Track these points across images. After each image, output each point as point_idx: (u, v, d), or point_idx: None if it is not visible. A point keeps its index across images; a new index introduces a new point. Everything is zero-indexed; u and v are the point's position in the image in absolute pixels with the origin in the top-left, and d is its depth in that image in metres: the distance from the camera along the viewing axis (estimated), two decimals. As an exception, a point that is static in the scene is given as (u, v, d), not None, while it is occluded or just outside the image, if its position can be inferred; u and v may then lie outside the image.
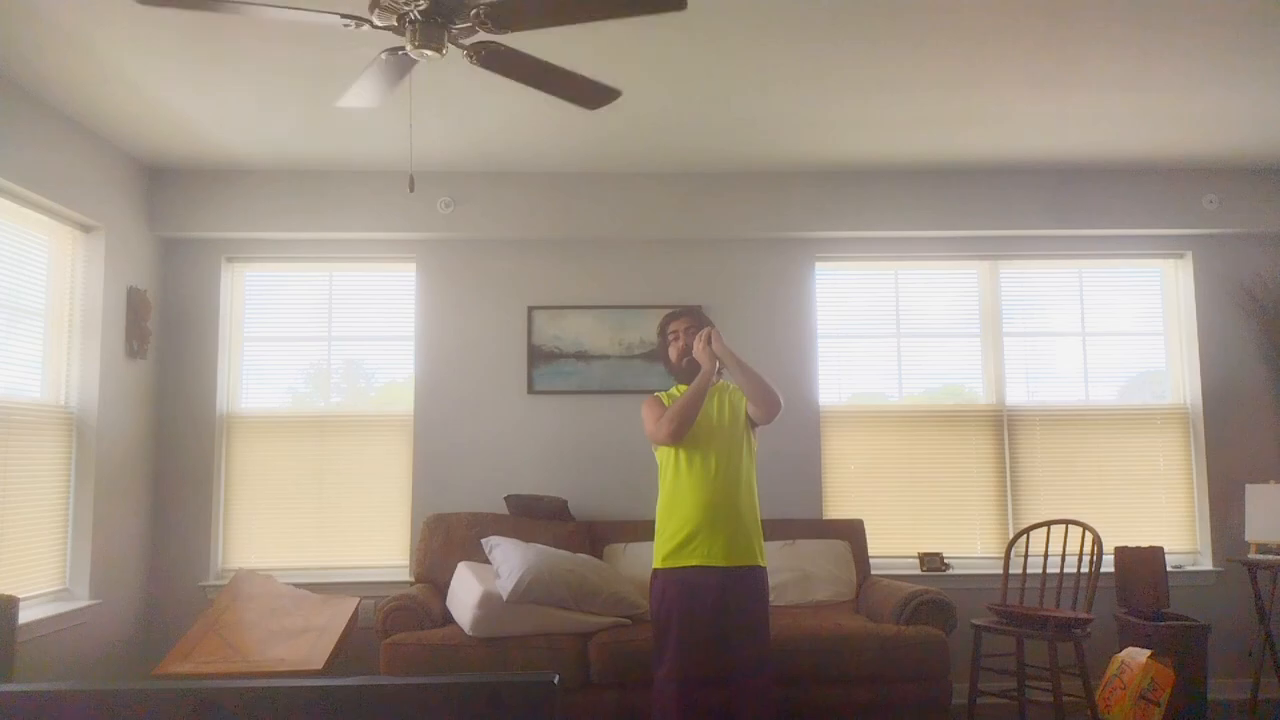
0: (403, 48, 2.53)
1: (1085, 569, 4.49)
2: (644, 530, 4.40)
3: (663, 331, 3.37)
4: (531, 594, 3.75)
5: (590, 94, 2.91)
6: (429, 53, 2.47)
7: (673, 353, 3.32)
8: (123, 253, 4.41)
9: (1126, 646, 4.26)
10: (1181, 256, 5.02)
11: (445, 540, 4.37)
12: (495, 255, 4.90)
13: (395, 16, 2.44)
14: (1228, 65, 3.57)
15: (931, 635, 3.76)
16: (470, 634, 3.74)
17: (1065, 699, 3.98)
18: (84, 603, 4.04)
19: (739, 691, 3.00)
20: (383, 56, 2.64)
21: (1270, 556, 4.27)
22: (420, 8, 2.40)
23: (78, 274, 4.22)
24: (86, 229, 4.24)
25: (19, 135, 3.66)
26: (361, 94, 2.88)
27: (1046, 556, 4.27)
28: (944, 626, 3.85)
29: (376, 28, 2.48)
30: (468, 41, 2.58)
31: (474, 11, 2.42)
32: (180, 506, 4.70)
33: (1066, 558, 4.51)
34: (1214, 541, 4.78)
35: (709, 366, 3.16)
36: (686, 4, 2.37)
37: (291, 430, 4.81)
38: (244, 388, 4.88)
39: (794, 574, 4.32)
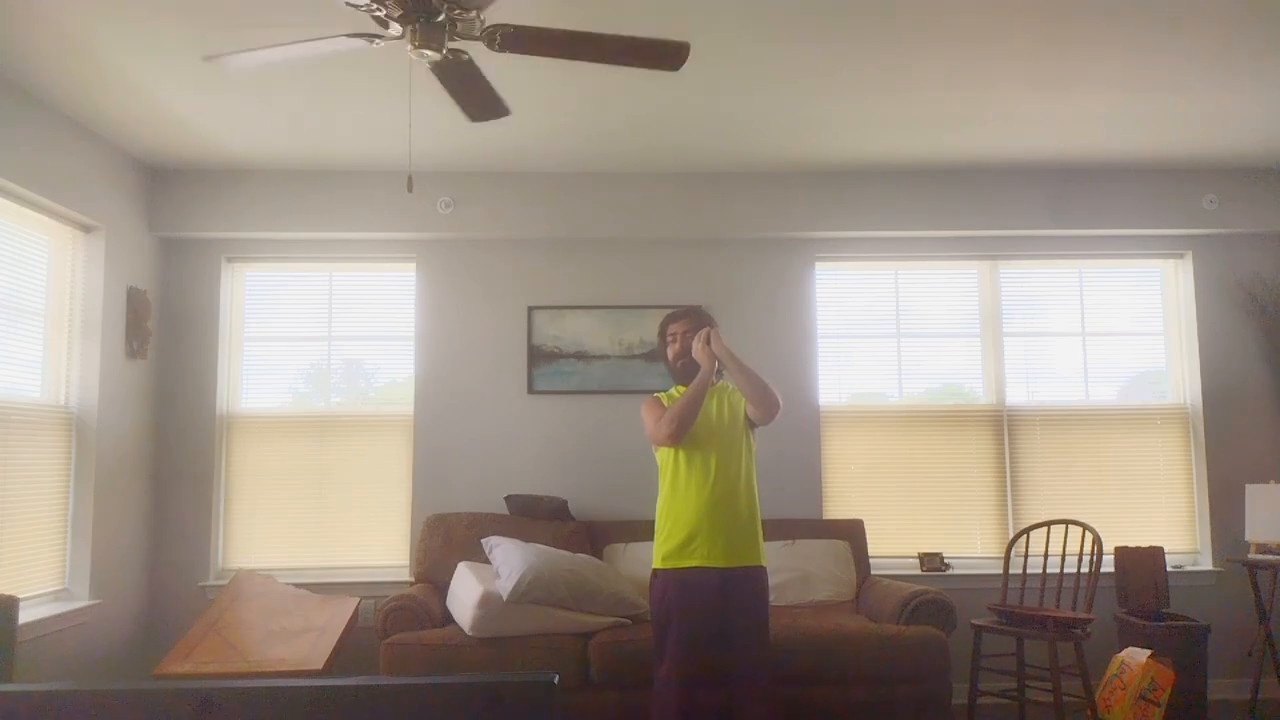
0: (378, 37, 2.52)
1: (1085, 569, 4.49)
2: (644, 530, 4.40)
3: (662, 333, 3.37)
4: (531, 594, 3.75)
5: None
6: (429, 53, 2.47)
7: (671, 354, 3.32)
8: (123, 253, 4.41)
9: (1126, 646, 4.26)
10: (1181, 256, 5.02)
11: (445, 540, 4.37)
12: (495, 255, 4.90)
13: (399, 26, 2.44)
14: (1228, 65, 3.57)
15: (931, 635, 3.76)
16: (470, 634, 3.74)
17: (1065, 699, 3.98)
18: (84, 603, 4.04)
19: (739, 691, 3.00)
20: (342, 38, 2.61)
21: (1270, 556, 4.27)
22: (391, 13, 2.40)
23: (78, 274, 4.22)
24: (86, 229, 4.24)
25: (19, 135, 3.66)
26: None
27: (1046, 556, 4.27)
28: (944, 626, 3.85)
29: (392, 39, 2.48)
30: (477, 32, 2.56)
31: (485, 28, 2.41)
32: (180, 506, 4.70)
33: (1066, 558, 4.51)
34: (1214, 541, 4.78)
35: (708, 367, 3.16)
36: (680, 66, 2.36)
37: (291, 430, 4.81)
38: (244, 388, 4.89)
39: (794, 574, 4.32)
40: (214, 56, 2.66)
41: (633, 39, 2.54)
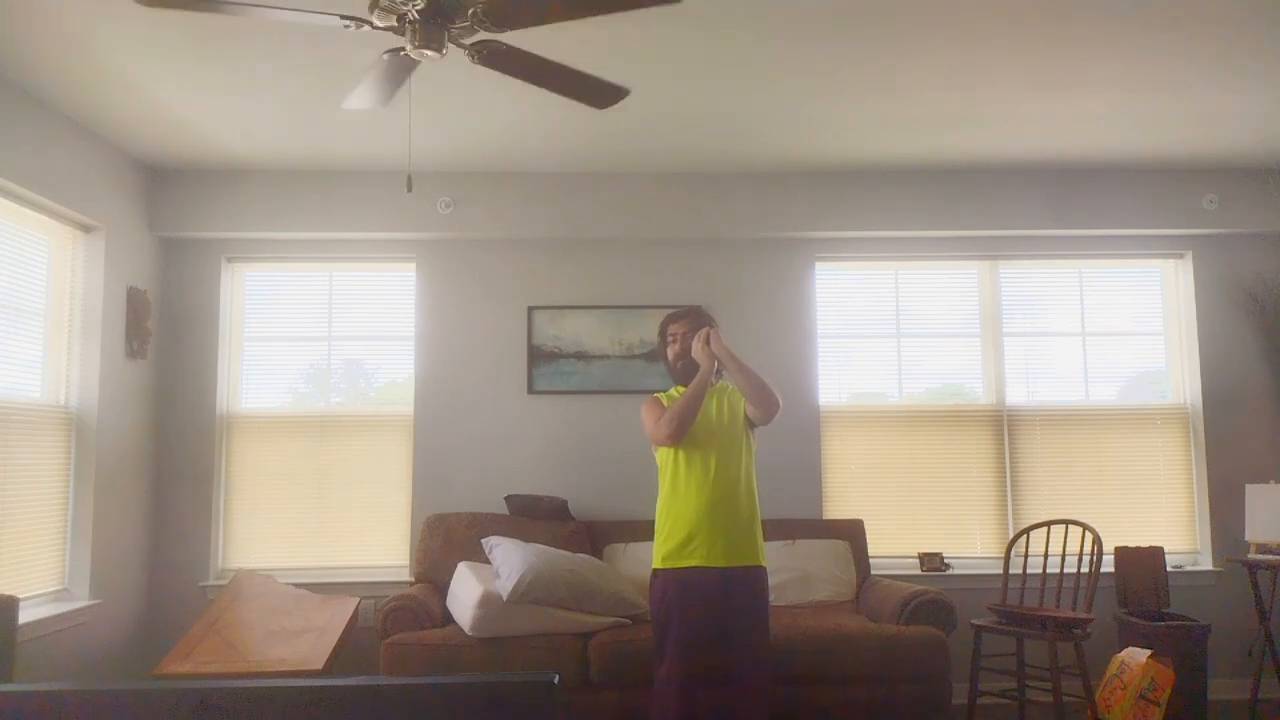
0: (403, 48, 2.53)
1: (1085, 569, 4.49)
2: (644, 530, 4.40)
3: (662, 333, 3.37)
4: (531, 594, 3.75)
5: (597, 93, 2.88)
6: (429, 53, 2.47)
7: (671, 354, 3.32)
8: (123, 253, 4.41)
9: (1126, 646, 4.26)
10: (1181, 256, 5.02)
11: (445, 540, 4.37)
12: (495, 255, 4.90)
13: (395, 17, 2.44)
14: (1228, 65, 3.57)
15: (931, 635, 3.76)
16: (470, 634, 3.74)
17: (1065, 699, 3.98)
18: (84, 603, 4.04)
19: (739, 691, 3.00)
20: (384, 57, 2.64)
21: (1270, 556, 4.27)
22: (418, 7, 2.40)
23: (78, 274, 4.22)
24: (86, 229, 4.24)
25: (19, 135, 3.66)
26: (365, 96, 2.88)
27: (1046, 556, 4.27)
28: (944, 626, 3.85)
29: (377, 28, 2.48)
30: (468, 41, 2.58)
31: (471, 10, 2.41)
32: (180, 506, 4.70)
33: (1066, 558, 4.51)
34: (1214, 541, 4.78)
35: (707, 366, 3.16)
36: None
37: (291, 430, 4.81)
38: (244, 388, 4.89)
39: (794, 574, 4.32)
40: (346, 105, 2.89)
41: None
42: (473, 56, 2.62)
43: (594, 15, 2.44)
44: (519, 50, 2.63)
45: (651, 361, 4.79)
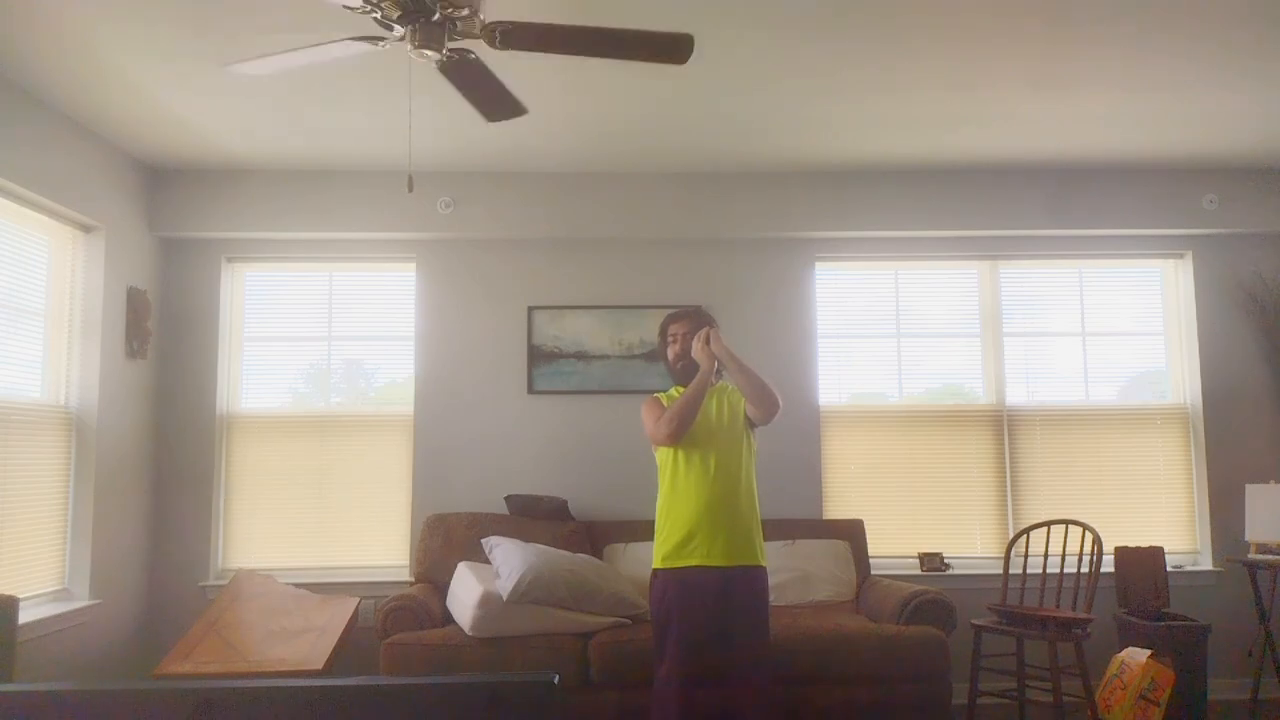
0: (382, 39, 2.53)
1: (1085, 569, 4.49)
2: (644, 530, 4.40)
3: (663, 333, 3.38)
4: (531, 594, 3.75)
5: (506, 108, 2.98)
6: (429, 53, 2.47)
7: (671, 355, 3.32)
8: (123, 253, 4.41)
9: (1126, 646, 4.26)
10: (1181, 256, 5.02)
11: (445, 540, 4.38)
12: (495, 255, 4.90)
13: (399, 13, 2.43)
14: (1228, 65, 3.57)
15: (931, 635, 3.76)
16: (470, 634, 3.74)
17: (1065, 699, 3.98)
18: (84, 603, 4.04)
19: (739, 691, 3.00)
20: (346, 41, 2.59)
21: (1270, 556, 4.27)
22: (457, 14, 2.40)
23: (78, 274, 4.22)
24: (86, 229, 4.24)
25: (19, 135, 3.66)
26: (273, 64, 2.75)
27: (1046, 556, 4.27)
28: (944, 626, 3.85)
29: (380, 20, 2.48)
30: (477, 30, 2.57)
31: (484, 25, 2.42)
32: (180, 506, 4.70)
33: (1066, 558, 4.51)
34: (1214, 541, 4.78)
35: (707, 366, 3.16)
36: (687, 60, 2.37)
37: (291, 430, 4.81)
38: (244, 388, 4.88)
39: (794, 574, 4.32)
40: (229, 65, 2.73)
41: (636, 32, 2.58)
42: (491, 42, 2.59)
43: (600, 57, 2.44)
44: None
45: (651, 361, 4.79)
